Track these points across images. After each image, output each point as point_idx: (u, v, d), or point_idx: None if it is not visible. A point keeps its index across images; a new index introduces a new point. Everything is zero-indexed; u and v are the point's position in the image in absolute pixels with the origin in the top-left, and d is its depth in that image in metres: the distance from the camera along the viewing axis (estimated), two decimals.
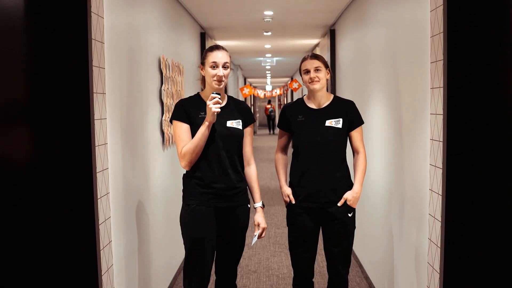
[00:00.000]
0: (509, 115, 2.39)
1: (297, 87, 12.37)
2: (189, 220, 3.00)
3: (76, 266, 2.55)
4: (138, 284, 3.49)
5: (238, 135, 3.08)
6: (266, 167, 12.99)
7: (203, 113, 2.98)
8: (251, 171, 3.20)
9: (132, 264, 3.31)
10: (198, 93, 3.20)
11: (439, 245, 2.68)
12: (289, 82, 16.49)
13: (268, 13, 5.89)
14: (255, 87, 18.59)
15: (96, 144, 2.53)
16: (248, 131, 3.16)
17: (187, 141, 2.98)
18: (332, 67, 6.91)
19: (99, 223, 2.57)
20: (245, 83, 17.93)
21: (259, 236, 3.13)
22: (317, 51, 9.24)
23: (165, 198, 4.38)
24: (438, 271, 2.69)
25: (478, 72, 2.52)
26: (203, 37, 6.76)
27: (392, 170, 3.84)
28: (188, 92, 5.63)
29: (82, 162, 2.48)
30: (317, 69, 3.28)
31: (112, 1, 2.89)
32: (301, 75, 3.39)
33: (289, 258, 3.38)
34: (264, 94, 22.44)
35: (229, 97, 3.22)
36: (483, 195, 2.58)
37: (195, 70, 6.16)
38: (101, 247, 2.59)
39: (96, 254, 2.54)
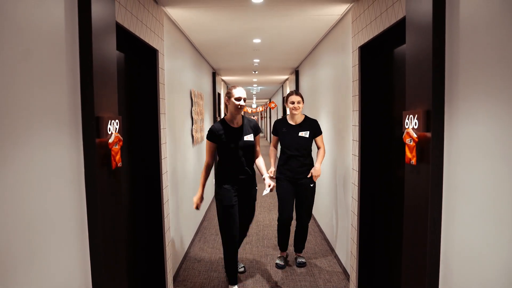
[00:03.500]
0: (393, 126, 2.59)
1: (274, 106, 12.75)
2: (222, 194, 3.08)
3: (151, 213, 2.85)
4: (182, 226, 3.80)
5: (251, 145, 3.13)
6: None
7: (222, 132, 3.06)
8: (259, 160, 3.28)
9: (177, 214, 3.62)
10: (223, 118, 3.19)
11: (356, 199, 2.96)
12: (268, 103, 16.85)
13: (256, 60, 6.19)
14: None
15: (162, 142, 2.88)
16: (257, 139, 3.21)
17: (210, 154, 3.12)
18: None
19: (163, 188, 2.91)
20: None
21: (271, 190, 3.12)
22: (287, 83, 9.28)
23: (193, 175, 4.63)
24: (357, 215, 2.97)
25: (376, 102, 2.79)
26: (214, 75, 6.98)
27: (333, 159, 4.06)
28: (206, 110, 6.00)
29: (154, 152, 2.80)
30: (298, 102, 3.54)
31: (167, 55, 3.19)
32: (286, 102, 3.61)
33: (269, 216, 3.57)
34: (251, 110, 22.69)
35: (244, 117, 3.21)
36: (380, 170, 2.81)
37: (209, 97, 6.50)
38: (164, 202, 2.94)
39: (161, 207, 2.86)
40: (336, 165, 3.95)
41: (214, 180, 3.42)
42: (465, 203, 1.47)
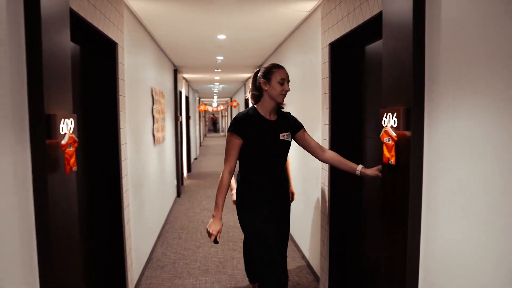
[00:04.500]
0: (365, 124, 2.61)
1: (236, 105, 12.64)
2: (254, 219, 2.25)
3: (110, 220, 2.65)
4: (144, 232, 3.60)
5: (287, 147, 2.33)
6: (215, 159, 13.02)
7: (253, 123, 2.22)
8: (287, 166, 2.73)
9: (139, 218, 3.42)
10: (253, 106, 2.29)
11: (327, 200, 2.90)
12: (230, 101, 16.72)
13: (220, 58, 6.04)
14: (205, 104, 18.64)
15: (122, 143, 2.69)
16: (306, 134, 2.39)
17: (234, 156, 2.22)
18: None
19: (123, 192, 2.72)
20: (199, 103, 17.96)
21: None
22: (250, 82, 9.24)
23: (156, 177, 4.44)
24: (327, 216, 2.90)
25: (347, 100, 2.74)
26: (175, 72, 6.74)
27: (302, 158, 4.03)
28: (168, 109, 5.78)
29: (114, 154, 2.60)
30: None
31: (127, 50, 2.99)
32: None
33: (234, 217, 3.26)
34: (212, 109, 22.51)
35: (279, 109, 2.38)
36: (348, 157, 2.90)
37: (170, 95, 6.27)
38: (124, 207, 2.74)
39: (121, 213, 2.67)
40: (305, 164, 3.88)
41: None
42: (447, 204, 1.43)
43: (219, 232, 2.16)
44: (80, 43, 2.29)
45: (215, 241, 2.17)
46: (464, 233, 1.32)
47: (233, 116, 13.55)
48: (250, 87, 2.36)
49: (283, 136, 2.28)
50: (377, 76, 2.34)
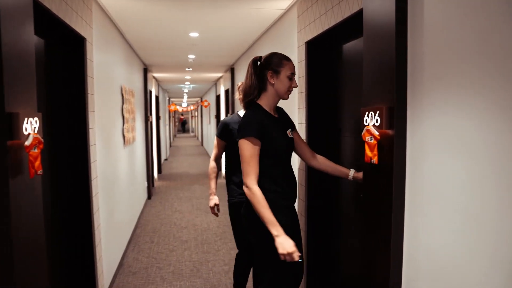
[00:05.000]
0: (343, 123, 2.59)
1: (207, 105, 12.49)
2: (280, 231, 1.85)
3: (79, 226, 2.50)
4: (114, 236, 3.45)
5: (293, 145, 2.13)
6: (185, 160, 12.87)
7: (267, 123, 1.93)
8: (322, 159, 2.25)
9: (110, 223, 3.27)
10: (257, 103, 2.00)
11: (304, 200, 2.85)
12: (200, 101, 16.53)
13: (192, 56, 5.91)
14: (176, 104, 18.34)
15: (91, 144, 2.55)
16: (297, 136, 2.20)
17: (256, 164, 1.88)
18: (232, 92, 6.91)
19: (93, 196, 2.58)
20: (169, 103, 17.64)
21: None
22: (221, 81, 9.07)
23: (126, 179, 4.29)
24: (304, 216, 2.85)
25: (324, 99, 2.70)
26: (145, 71, 6.58)
27: None
28: (138, 109, 5.61)
29: (82, 156, 2.45)
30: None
31: (96, 47, 2.84)
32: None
33: (207, 218, 3.23)
34: (182, 109, 22.18)
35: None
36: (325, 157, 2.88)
37: (140, 94, 6.08)
38: (94, 212, 2.60)
39: (91, 218, 2.52)
40: None
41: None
42: (431, 204, 1.41)
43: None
44: (45, 37, 2.14)
45: (301, 258, 1.81)
46: (449, 234, 1.30)
47: (204, 117, 13.14)
48: (247, 80, 2.00)
49: (289, 133, 2.06)
50: (355, 75, 2.32)
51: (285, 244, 1.75)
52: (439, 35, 1.34)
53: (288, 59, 1.98)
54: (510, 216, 1.06)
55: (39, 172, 1.41)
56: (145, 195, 6.48)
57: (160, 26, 3.95)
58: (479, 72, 1.16)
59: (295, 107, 3.07)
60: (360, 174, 2.06)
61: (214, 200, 2.67)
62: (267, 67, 1.96)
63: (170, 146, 17.61)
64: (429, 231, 1.41)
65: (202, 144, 18.25)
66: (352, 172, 2.11)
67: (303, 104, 2.83)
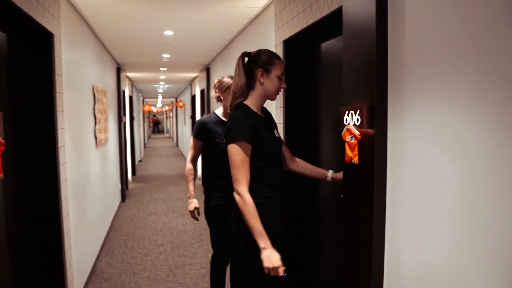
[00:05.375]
0: (315, 122, 2.56)
1: (182, 105, 12.32)
2: (274, 234, 1.79)
3: (46, 232, 2.38)
4: (86, 241, 3.32)
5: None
6: (160, 161, 12.63)
7: (258, 123, 1.82)
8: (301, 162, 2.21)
9: (81, 227, 3.14)
10: (242, 103, 1.87)
11: None
12: (175, 102, 16.31)
13: (166, 55, 5.78)
14: (150, 105, 18.02)
15: (60, 145, 2.43)
16: None
17: (248, 168, 1.76)
18: (207, 92, 6.83)
19: (62, 200, 2.46)
20: (143, 103, 17.31)
21: None
22: (196, 81, 8.94)
23: (98, 182, 4.15)
24: None
25: (302, 98, 2.67)
26: (118, 70, 6.38)
27: None
28: (111, 109, 5.44)
29: (50, 158, 2.33)
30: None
31: (65, 44, 2.72)
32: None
33: (183, 221, 3.06)
34: (157, 110, 21.86)
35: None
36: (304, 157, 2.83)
37: (113, 94, 5.91)
38: (63, 217, 2.48)
39: (60, 223, 2.41)
40: None
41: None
42: (412, 204, 1.39)
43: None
44: (7, 31, 2.01)
45: (285, 272, 1.70)
46: (431, 234, 1.28)
47: (179, 118, 12.88)
48: (236, 79, 1.87)
49: (276, 132, 1.97)
50: (334, 74, 2.30)
51: (271, 258, 1.65)
52: (420, 32, 1.32)
53: (279, 58, 1.89)
54: (493, 214, 1.05)
55: (0, 175, 1.31)
56: (119, 198, 6.30)
57: (134, 24, 3.83)
58: (463, 70, 1.14)
59: (272, 106, 3.03)
60: (339, 175, 2.04)
61: (194, 203, 2.53)
62: (257, 65, 1.83)
63: (145, 147, 17.29)
64: (411, 232, 1.39)
65: (177, 145, 18.01)
66: (330, 173, 2.08)
67: (281, 103, 2.79)
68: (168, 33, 4.23)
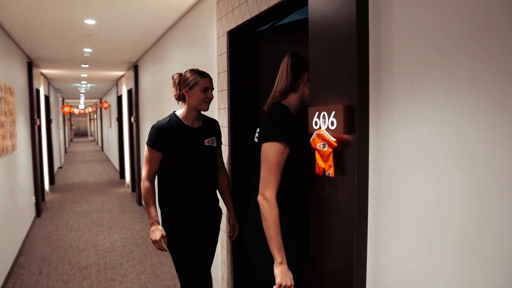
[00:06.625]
0: (255, 121, 2.36)
1: (107, 106, 11.43)
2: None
3: None
4: None
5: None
6: (84, 167, 11.70)
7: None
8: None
9: None
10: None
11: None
12: (99, 103, 15.21)
13: (88, 50, 5.14)
14: (71, 106, 16.57)
15: None
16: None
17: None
18: (136, 93, 6.37)
19: None
20: (63, 103, 15.84)
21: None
22: (123, 81, 8.33)
23: (2, 195, 3.51)
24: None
25: (249, 97, 2.39)
26: (30, 65, 5.55)
27: None
28: (20, 110, 4.69)
29: None
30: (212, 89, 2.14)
31: None
32: (190, 88, 2.07)
33: (110, 236, 2.73)
34: (79, 111, 20.35)
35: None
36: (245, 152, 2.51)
37: (23, 93, 5.15)
38: None
39: None
40: None
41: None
42: (400, 226, 1.14)
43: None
44: None
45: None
46: (426, 261, 1.05)
47: (104, 119, 12.09)
48: (282, 79, 1.75)
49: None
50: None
51: (287, 275, 1.55)
52: (408, 21, 1.06)
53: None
54: (503, 241, 0.83)
55: None
56: (33, 213, 5.50)
57: (47, 9, 3.23)
58: (469, 63, 0.89)
59: (214, 107, 2.67)
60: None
61: (159, 230, 2.06)
62: (303, 68, 1.68)
63: (66, 152, 15.93)
64: (400, 259, 1.15)
65: (102, 149, 16.87)
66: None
67: (225, 103, 2.46)
68: (89, 22, 3.66)
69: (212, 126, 2.24)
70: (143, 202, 2.18)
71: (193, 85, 2.07)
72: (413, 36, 1.09)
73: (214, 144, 2.18)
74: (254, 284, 2.39)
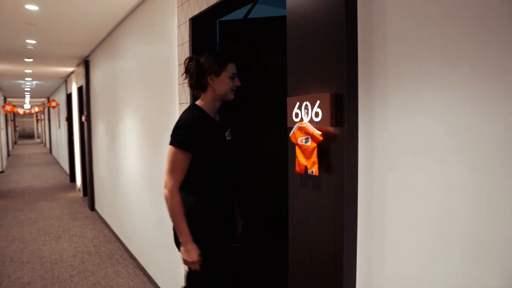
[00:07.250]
0: (246, 121, 2.21)
1: (55, 105, 10.73)
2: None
3: None
4: None
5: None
6: (29, 171, 10.89)
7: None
8: None
9: None
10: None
11: None
12: (47, 102, 14.31)
13: (31, 41, 4.68)
14: (14, 106, 15.45)
15: None
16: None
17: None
18: (87, 91, 5.94)
19: None
20: (5, 102, 14.72)
21: None
22: (72, 78, 7.81)
23: None
24: None
25: None
26: None
27: (150, 167, 3.31)
28: None
29: None
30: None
31: None
32: (218, 74, 1.75)
33: (59, 246, 2.41)
34: (24, 111, 19.10)
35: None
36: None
37: None
38: None
39: None
40: (145, 168, 3.14)
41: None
42: (394, 231, 1.01)
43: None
44: None
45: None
46: (425, 269, 0.92)
47: (52, 120, 11.36)
48: None
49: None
50: (264, 56, 1.83)
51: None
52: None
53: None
54: (498, 242, 0.80)
55: None
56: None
57: None
58: (473, 43, 0.76)
59: (174, 102, 2.46)
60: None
61: (196, 250, 1.74)
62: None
63: (8, 155, 14.88)
64: (394, 267, 1.01)
65: (51, 152, 15.93)
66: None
67: (187, 98, 2.26)
68: (32, 7, 3.29)
69: (225, 116, 1.92)
70: (171, 219, 1.73)
71: (220, 71, 1.76)
72: (409, 13, 0.95)
73: (230, 137, 1.88)
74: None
